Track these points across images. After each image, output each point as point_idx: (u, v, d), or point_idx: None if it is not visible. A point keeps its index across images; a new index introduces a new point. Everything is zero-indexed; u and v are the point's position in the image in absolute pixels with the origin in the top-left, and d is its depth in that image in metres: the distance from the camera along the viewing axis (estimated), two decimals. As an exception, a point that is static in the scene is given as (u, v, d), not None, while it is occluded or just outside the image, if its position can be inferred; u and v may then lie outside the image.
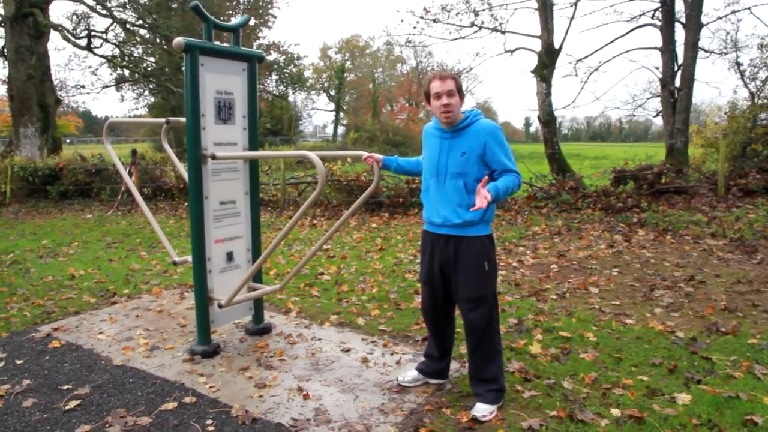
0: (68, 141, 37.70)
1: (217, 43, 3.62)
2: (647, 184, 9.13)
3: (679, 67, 11.04)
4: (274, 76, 30.44)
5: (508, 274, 5.74)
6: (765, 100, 11.81)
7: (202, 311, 3.60)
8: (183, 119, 3.66)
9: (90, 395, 3.08)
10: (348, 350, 3.75)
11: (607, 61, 18.92)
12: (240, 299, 3.61)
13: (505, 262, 6.24)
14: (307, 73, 42.90)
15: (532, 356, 3.61)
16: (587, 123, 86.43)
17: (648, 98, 14.03)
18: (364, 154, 3.31)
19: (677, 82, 10.88)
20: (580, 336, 3.95)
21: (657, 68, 11.94)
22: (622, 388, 3.13)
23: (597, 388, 3.15)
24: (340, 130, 50.56)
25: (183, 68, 3.41)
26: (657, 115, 14.71)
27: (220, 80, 3.57)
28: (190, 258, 3.98)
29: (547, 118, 11.52)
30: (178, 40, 3.30)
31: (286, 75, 30.84)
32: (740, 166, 9.72)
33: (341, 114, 52.51)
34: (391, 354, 3.68)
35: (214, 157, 3.40)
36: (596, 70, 13.81)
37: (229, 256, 3.80)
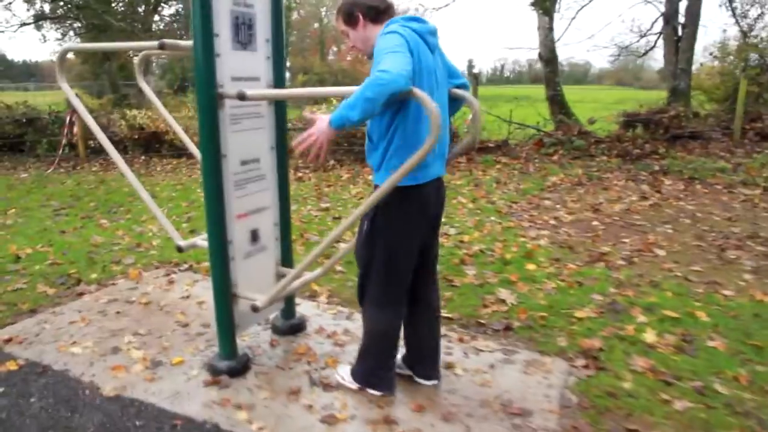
0: (-19, 88, 33.60)
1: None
2: (663, 129, 8.49)
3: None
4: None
5: (552, 234, 4.97)
6: (755, 40, 11.33)
7: (224, 314, 2.60)
8: (183, 42, 2.54)
9: (82, 456, 2.08)
10: (415, 351, 2.88)
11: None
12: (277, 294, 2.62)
13: (541, 219, 5.46)
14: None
15: (650, 347, 2.87)
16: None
17: (642, 35, 13.26)
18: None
19: (680, 19, 10.18)
20: (689, 316, 3.24)
21: (660, 1, 11.17)
22: (798, 392, 2.44)
23: (760, 392, 2.45)
24: (287, 74, 47.98)
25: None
26: (644, 54, 14.07)
27: (235, -15, 2.44)
28: (199, 240, 2.95)
29: (550, 55, 10.57)
30: None
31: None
32: (750, 109, 9.17)
33: (287, 57, 49.70)
34: (477, 353, 2.84)
35: (243, 98, 2.31)
36: (589, 3, 12.74)
37: (254, 235, 2.77)
